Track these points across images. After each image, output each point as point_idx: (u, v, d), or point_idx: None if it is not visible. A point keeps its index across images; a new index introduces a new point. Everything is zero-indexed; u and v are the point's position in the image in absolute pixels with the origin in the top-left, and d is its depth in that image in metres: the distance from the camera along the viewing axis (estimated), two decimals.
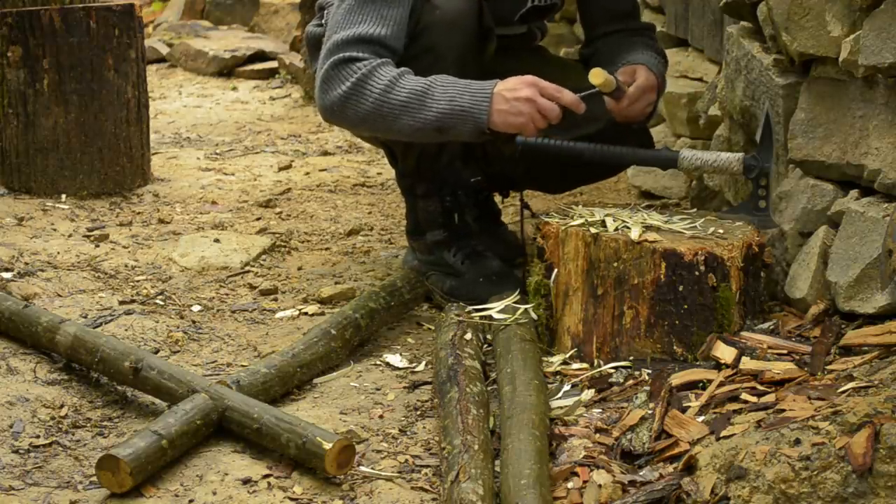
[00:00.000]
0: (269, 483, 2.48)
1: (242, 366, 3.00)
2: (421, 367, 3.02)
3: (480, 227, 3.44)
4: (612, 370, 2.81)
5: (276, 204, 4.35)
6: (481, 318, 3.04)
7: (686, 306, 2.80)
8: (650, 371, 2.76)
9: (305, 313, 3.35)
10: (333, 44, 3.11)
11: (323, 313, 3.33)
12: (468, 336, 2.92)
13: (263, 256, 3.80)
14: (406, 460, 2.57)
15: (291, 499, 2.44)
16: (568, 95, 3.02)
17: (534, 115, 3.00)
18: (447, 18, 3.13)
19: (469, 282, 3.28)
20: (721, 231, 2.92)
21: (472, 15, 3.17)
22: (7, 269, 3.52)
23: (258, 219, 4.18)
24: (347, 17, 3.12)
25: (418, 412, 2.79)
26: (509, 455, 2.36)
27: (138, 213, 4.25)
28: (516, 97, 2.99)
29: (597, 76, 3.06)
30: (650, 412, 2.55)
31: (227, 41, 7.28)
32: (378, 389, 2.92)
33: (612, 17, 3.43)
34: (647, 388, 2.67)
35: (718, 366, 2.70)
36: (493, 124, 3.00)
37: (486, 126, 3.00)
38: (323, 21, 3.38)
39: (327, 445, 2.45)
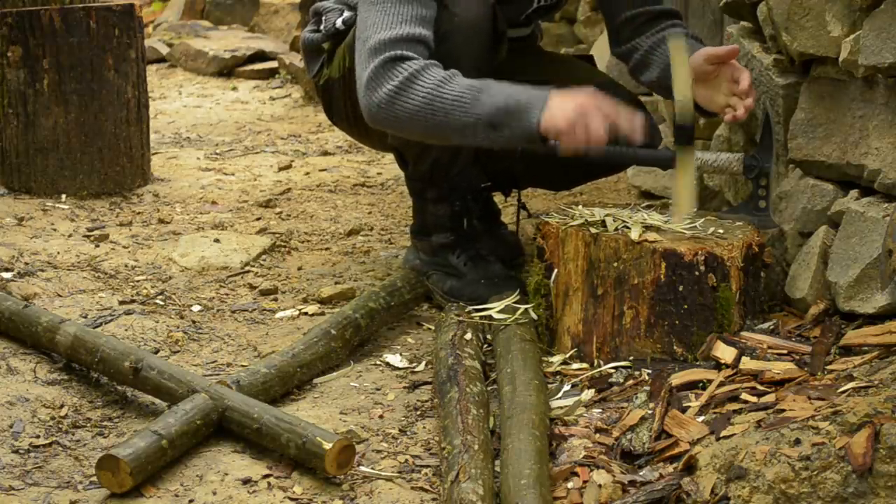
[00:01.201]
0: (269, 483, 2.49)
1: (242, 366, 3.00)
2: (421, 367, 3.02)
3: (481, 227, 3.44)
4: (612, 370, 2.81)
5: (276, 204, 4.35)
6: (481, 318, 3.04)
7: (686, 306, 2.80)
8: (650, 371, 2.76)
9: (305, 313, 3.35)
10: (379, 42, 3.01)
11: (323, 313, 3.33)
12: (468, 336, 2.92)
13: (263, 256, 3.80)
14: (406, 460, 2.57)
15: (291, 499, 2.44)
16: (626, 121, 2.90)
17: (579, 129, 2.87)
18: (466, 25, 3.11)
19: (470, 282, 3.28)
20: (721, 231, 2.92)
21: (488, 20, 3.16)
22: (7, 269, 3.52)
23: (258, 219, 4.18)
24: (384, 17, 3.05)
25: (418, 412, 2.80)
26: (509, 455, 2.36)
27: (138, 213, 4.25)
28: (573, 103, 2.88)
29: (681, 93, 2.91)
30: (650, 412, 2.55)
31: (227, 41, 7.28)
32: (378, 389, 2.92)
33: (638, 1, 3.33)
34: (647, 388, 2.67)
35: (718, 366, 2.71)
36: (542, 122, 2.90)
37: (537, 124, 2.89)
38: (321, 28, 3.37)
39: (327, 445, 2.45)
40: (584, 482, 2.36)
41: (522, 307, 3.00)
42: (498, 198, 3.75)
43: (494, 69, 3.18)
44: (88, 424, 2.75)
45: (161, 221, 4.14)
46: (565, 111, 2.87)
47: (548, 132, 2.89)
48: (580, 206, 3.06)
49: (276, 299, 3.47)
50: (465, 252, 3.35)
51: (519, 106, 2.89)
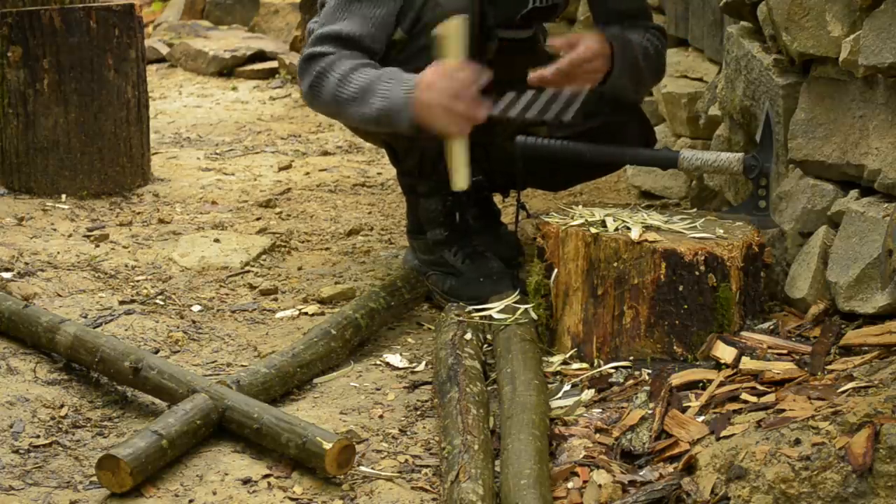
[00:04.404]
0: (269, 483, 2.49)
1: (242, 366, 3.00)
2: (421, 367, 3.02)
3: (481, 226, 3.44)
4: (612, 370, 2.81)
5: (276, 204, 4.35)
6: (481, 318, 3.04)
7: (686, 306, 2.80)
8: (650, 371, 2.76)
9: (305, 313, 3.35)
10: (314, 38, 3.19)
11: (323, 313, 3.33)
12: (468, 336, 2.92)
13: (263, 256, 3.80)
14: (406, 460, 2.57)
15: (291, 499, 2.44)
16: (462, 77, 2.93)
17: (452, 122, 2.96)
18: (451, 16, 3.13)
19: (469, 281, 3.29)
20: (721, 231, 2.92)
21: (473, 14, 3.17)
22: (7, 269, 3.52)
23: (258, 219, 4.18)
24: (333, 13, 3.19)
25: (418, 412, 2.80)
26: (509, 455, 2.36)
27: (138, 213, 4.25)
28: (431, 104, 2.95)
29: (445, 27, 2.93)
30: (650, 412, 2.55)
31: (227, 41, 7.28)
32: (378, 389, 2.92)
33: (620, 17, 3.37)
34: (647, 388, 2.67)
35: (718, 366, 2.71)
36: (417, 121, 3.00)
37: (414, 125, 3.01)
38: None
39: (327, 445, 2.45)
40: (584, 482, 2.36)
41: (522, 307, 3.00)
42: (497, 198, 3.75)
43: (484, 67, 3.20)
44: (88, 424, 2.75)
45: (161, 221, 4.14)
46: (429, 107, 2.95)
47: (426, 127, 2.99)
48: (580, 206, 3.07)
49: (276, 299, 3.47)
50: (462, 249, 3.35)
51: (392, 108, 3.00)
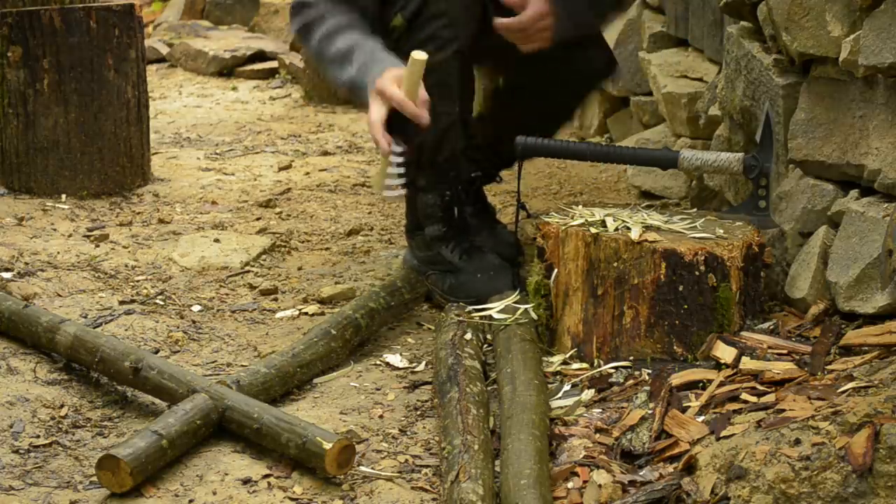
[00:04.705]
0: (269, 483, 2.49)
1: (242, 366, 3.00)
2: (421, 367, 3.02)
3: (478, 224, 3.45)
4: (612, 370, 2.81)
5: (276, 204, 4.35)
6: (481, 318, 3.04)
7: (686, 306, 2.80)
8: (650, 371, 2.76)
9: (305, 313, 3.35)
10: None
11: (323, 313, 3.33)
12: (468, 336, 2.92)
13: (263, 256, 3.80)
14: (406, 460, 2.57)
15: (291, 499, 2.44)
16: (410, 107, 2.96)
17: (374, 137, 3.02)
18: (458, 7, 3.17)
19: (467, 278, 3.29)
20: (721, 231, 2.92)
21: (478, 6, 3.22)
22: (7, 269, 3.52)
23: (258, 219, 4.18)
24: None
25: (418, 412, 2.80)
26: (509, 455, 2.36)
27: (138, 213, 4.25)
28: (367, 111, 3.02)
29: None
30: (650, 412, 2.55)
31: (227, 41, 7.28)
32: (378, 389, 2.92)
33: None
34: (647, 388, 2.67)
35: (718, 366, 2.71)
36: None
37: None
38: None
39: (327, 445, 2.45)
40: (584, 482, 2.36)
41: (522, 307, 3.00)
42: (496, 199, 3.75)
43: (482, 47, 3.24)
44: (88, 424, 2.75)
45: (161, 221, 4.14)
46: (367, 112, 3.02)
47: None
48: (580, 206, 3.07)
49: (276, 299, 3.47)
50: (459, 245, 3.35)
51: (360, 84, 3.05)
